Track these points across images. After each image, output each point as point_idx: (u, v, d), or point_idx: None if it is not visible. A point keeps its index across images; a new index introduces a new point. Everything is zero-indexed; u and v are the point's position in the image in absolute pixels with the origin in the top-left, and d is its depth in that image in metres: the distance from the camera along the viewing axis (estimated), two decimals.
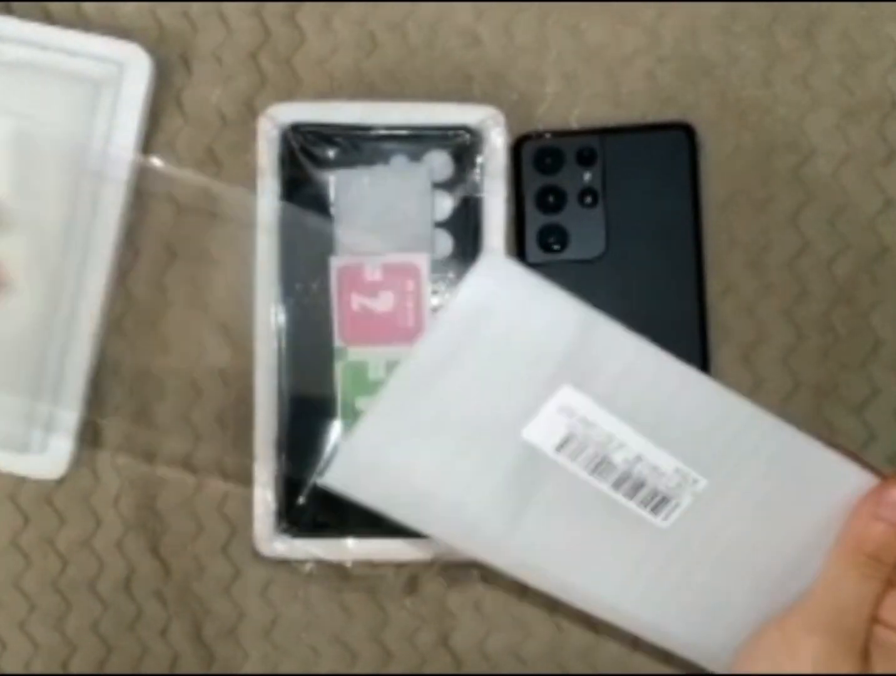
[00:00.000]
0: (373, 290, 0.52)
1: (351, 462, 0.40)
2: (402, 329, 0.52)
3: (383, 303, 0.51)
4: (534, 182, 0.53)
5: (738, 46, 0.54)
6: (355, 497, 0.41)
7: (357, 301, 0.52)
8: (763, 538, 0.42)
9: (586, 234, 0.53)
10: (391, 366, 0.51)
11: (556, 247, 0.53)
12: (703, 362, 0.52)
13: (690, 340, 0.52)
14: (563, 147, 0.53)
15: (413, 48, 0.54)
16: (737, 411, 0.42)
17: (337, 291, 0.52)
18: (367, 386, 0.52)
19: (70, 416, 0.52)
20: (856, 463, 0.42)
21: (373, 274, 0.52)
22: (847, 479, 0.42)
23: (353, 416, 0.52)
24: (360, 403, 0.52)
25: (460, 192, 0.52)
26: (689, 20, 0.54)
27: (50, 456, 0.52)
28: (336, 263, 0.52)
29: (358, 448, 0.39)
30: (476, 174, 0.52)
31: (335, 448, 0.49)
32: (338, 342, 0.52)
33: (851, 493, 0.42)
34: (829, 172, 0.54)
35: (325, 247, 0.52)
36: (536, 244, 0.53)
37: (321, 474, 0.41)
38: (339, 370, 0.52)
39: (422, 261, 0.52)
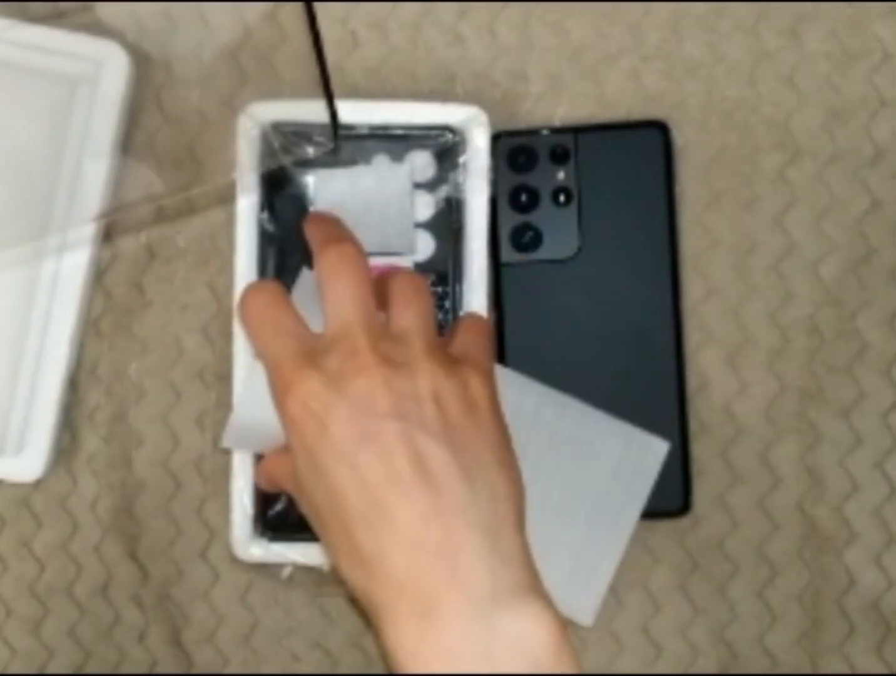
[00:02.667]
0: None
1: (240, 427, 0.48)
2: None
3: None
4: (507, 181, 0.52)
5: (723, 45, 0.53)
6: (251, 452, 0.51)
7: None
8: (574, 492, 0.51)
9: (560, 233, 0.52)
10: None
11: (529, 246, 0.52)
12: (677, 360, 0.52)
13: (666, 338, 0.52)
14: (537, 145, 0.52)
15: (395, 47, 0.54)
16: (530, 393, 0.51)
17: None
18: None
19: (47, 418, 0.52)
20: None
21: None
22: (617, 433, 0.51)
23: None
24: None
25: (442, 192, 0.52)
26: (674, 19, 0.53)
27: (26, 459, 0.52)
28: None
29: (243, 416, 0.47)
30: (459, 174, 0.52)
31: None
32: None
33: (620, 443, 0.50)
34: (816, 173, 0.53)
35: (307, 246, 0.52)
36: (509, 243, 0.52)
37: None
38: None
39: (406, 264, 0.52)
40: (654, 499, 0.51)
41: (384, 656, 0.41)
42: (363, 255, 0.46)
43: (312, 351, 0.44)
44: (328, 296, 0.45)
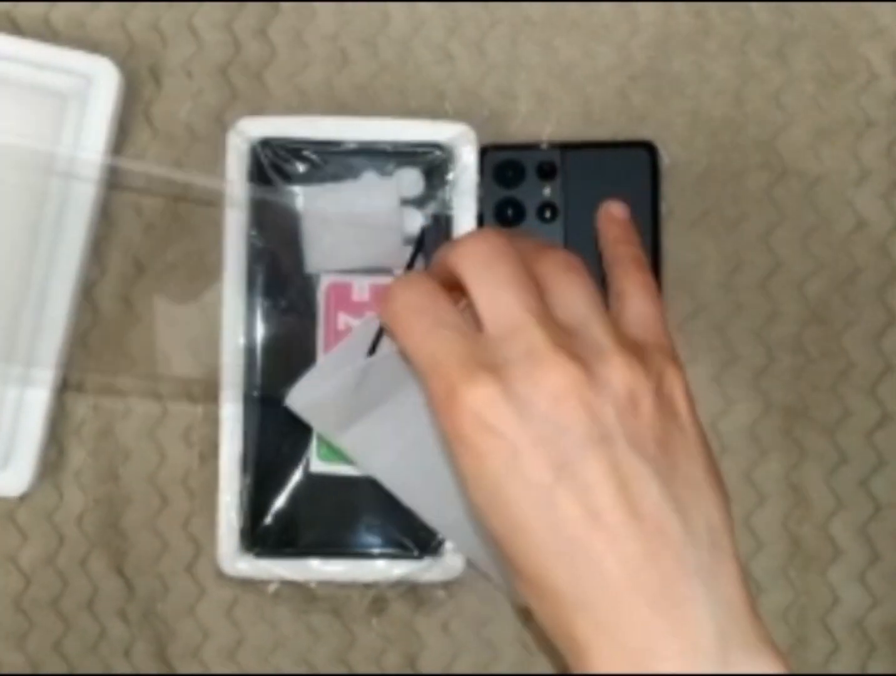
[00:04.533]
0: (359, 309, 0.51)
1: (308, 393, 0.45)
2: None
3: None
4: (493, 194, 0.52)
5: (710, 65, 0.53)
6: (306, 420, 0.46)
7: (343, 320, 0.52)
8: None
9: None
10: None
11: None
12: None
13: None
14: (524, 160, 0.52)
15: (385, 64, 0.54)
16: None
17: (324, 308, 0.52)
18: None
19: (33, 432, 0.51)
20: None
21: (360, 294, 0.52)
22: None
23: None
24: None
25: (430, 209, 0.52)
26: (662, 38, 0.54)
27: (12, 473, 0.52)
28: (325, 281, 0.52)
29: (314, 384, 0.45)
30: (447, 191, 0.52)
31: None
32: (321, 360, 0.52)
33: None
34: (802, 192, 0.53)
35: (297, 262, 0.52)
36: None
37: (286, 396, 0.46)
38: None
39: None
40: None
41: None
42: (508, 237, 0.39)
43: (481, 350, 0.36)
44: (481, 292, 0.37)
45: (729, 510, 0.37)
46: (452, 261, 0.39)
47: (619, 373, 0.36)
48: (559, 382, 0.35)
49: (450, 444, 0.37)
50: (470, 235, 0.40)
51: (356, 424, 0.47)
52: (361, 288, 0.52)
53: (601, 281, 0.45)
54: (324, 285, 0.52)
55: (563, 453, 0.35)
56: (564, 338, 0.36)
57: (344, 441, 0.48)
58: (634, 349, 0.37)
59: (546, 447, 0.35)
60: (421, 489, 0.49)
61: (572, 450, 0.35)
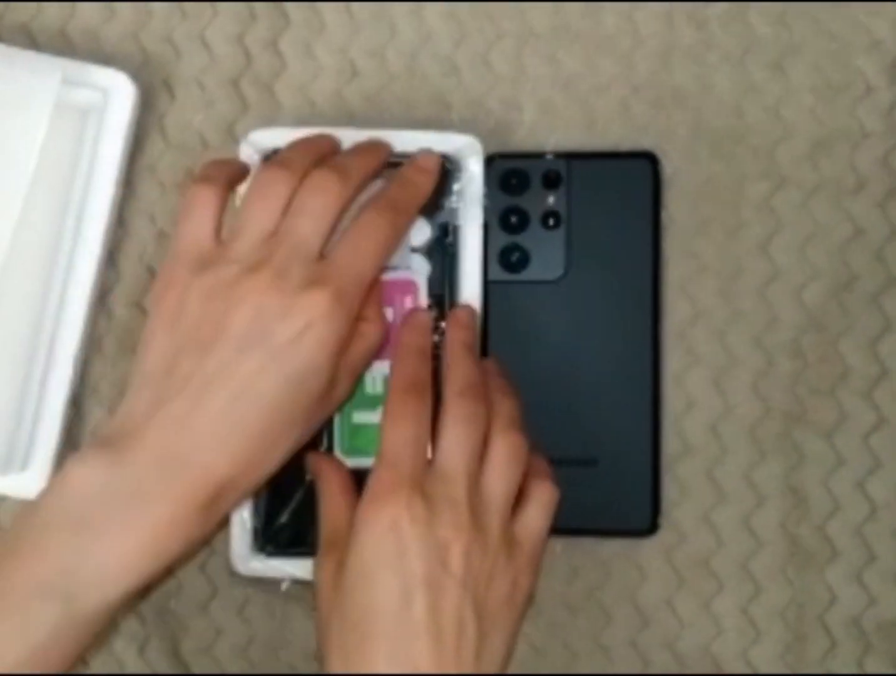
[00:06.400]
0: None
1: None
2: None
3: None
4: (499, 202, 0.53)
5: (710, 77, 0.54)
6: None
7: None
8: None
9: (547, 255, 0.53)
10: (388, 381, 0.51)
11: (516, 266, 0.53)
12: (654, 383, 0.53)
13: (643, 364, 0.53)
14: (530, 169, 0.53)
15: (393, 75, 0.55)
16: None
17: None
18: (364, 400, 0.52)
19: (51, 435, 0.52)
20: None
21: None
22: None
23: (348, 430, 0.52)
24: (357, 417, 0.53)
25: (438, 218, 0.53)
26: (663, 50, 0.55)
27: (31, 475, 0.52)
28: None
29: None
30: (453, 201, 0.53)
31: None
32: None
33: None
34: (800, 201, 0.54)
35: None
36: (497, 263, 0.53)
37: None
38: None
39: (419, 278, 0.53)
40: (624, 519, 0.53)
41: None
42: (428, 395, 0.50)
43: (424, 468, 0.47)
44: (454, 431, 0.47)
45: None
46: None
47: (493, 557, 0.47)
48: (459, 535, 0.45)
49: (356, 528, 0.46)
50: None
51: None
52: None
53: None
54: None
55: (436, 576, 0.45)
56: (476, 502, 0.46)
57: None
58: (512, 545, 0.47)
59: (429, 564, 0.45)
60: None
61: (444, 578, 0.45)
